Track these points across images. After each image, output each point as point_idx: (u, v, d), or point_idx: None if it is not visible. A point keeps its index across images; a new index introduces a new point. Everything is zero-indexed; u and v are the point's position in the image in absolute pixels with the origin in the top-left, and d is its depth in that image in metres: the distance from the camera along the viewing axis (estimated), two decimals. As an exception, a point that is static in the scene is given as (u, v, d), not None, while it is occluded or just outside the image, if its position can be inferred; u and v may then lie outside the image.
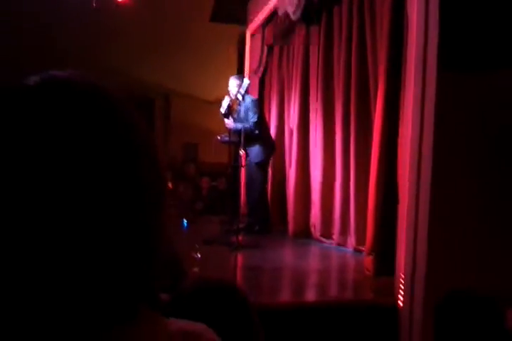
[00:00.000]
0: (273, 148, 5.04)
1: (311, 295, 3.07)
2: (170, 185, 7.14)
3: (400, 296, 2.65)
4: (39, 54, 6.79)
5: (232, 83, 4.87)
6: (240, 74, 6.09)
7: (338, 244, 4.30)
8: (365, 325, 2.63)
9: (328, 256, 4.08)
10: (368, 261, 3.31)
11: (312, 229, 4.74)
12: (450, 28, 2.42)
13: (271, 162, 5.15)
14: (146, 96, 9.22)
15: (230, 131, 4.88)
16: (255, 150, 4.83)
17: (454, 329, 1.59)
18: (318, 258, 4.13)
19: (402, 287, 2.64)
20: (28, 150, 0.43)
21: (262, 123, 4.87)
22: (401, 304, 2.64)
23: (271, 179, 5.47)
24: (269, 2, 5.44)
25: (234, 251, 3.95)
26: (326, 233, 4.52)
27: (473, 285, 1.85)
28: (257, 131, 4.71)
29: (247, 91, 4.75)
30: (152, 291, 0.50)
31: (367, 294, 3.03)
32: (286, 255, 4.33)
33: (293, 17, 4.75)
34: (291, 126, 5.29)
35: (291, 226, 4.95)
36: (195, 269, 3.06)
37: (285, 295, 3.06)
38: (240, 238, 4.10)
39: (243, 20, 6.52)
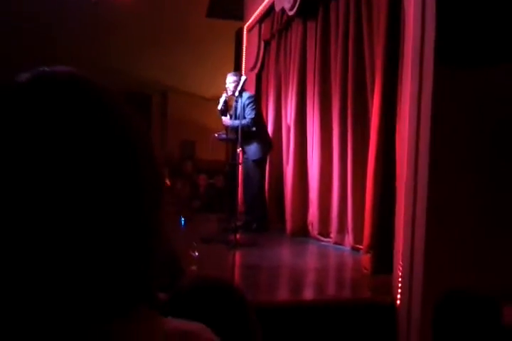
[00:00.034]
0: (270, 145, 5.02)
1: (308, 294, 3.06)
2: (168, 182, 7.15)
3: (397, 294, 2.64)
4: (36, 49, 6.77)
5: (230, 80, 4.85)
6: (237, 70, 6.07)
7: (336, 243, 4.28)
8: (363, 323, 2.62)
9: (325, 255, 4.06)
10: (366, 259, 3.29)
11: (310, 228, 4.73)
12: (447, 22, 2.40)
13: (268, 159, 5.12)
14: (144, 93, 9.20)
15: (227, 128, 4.86)
16: (253, 147, 4.80)
17: (452, 327, 1.58)
18: (315, 256, 4.11)
19: (400, 285, 2.62)
20: (19, 147, 0.43)
21: (259, 119, 4.85)
22: (399, 302, 2.62)
23: (268, 176, 5.44)
24: (266, -3, 5.41)
25: (232, 249, 3.94)
26: (324, 231, 4.50)
27: (471, 282, 1.84)
28: (254, 128, 4.69)
29: (243, 88, 4.72)
30: (150, 290, 0.49)
31: (365, 292, 3.02)
32: (284, 253, 4.31)
33: (289, 12, 4.72)
34: (288, 122, 5.26)
35: (288, 225, 4.93)
36: (193, 267, 3.06)
37: (283, 294, 3.05)
38: (238, 236, 4.10)
39: (240, 16, 6.50)
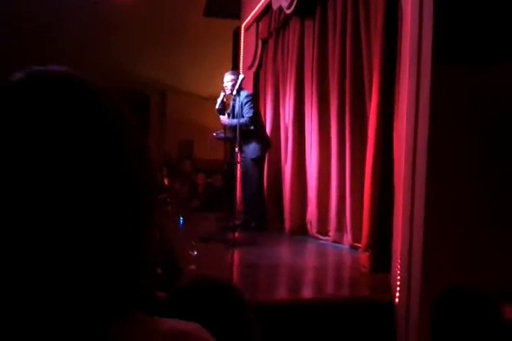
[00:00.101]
0: (269, 143, 5.01)
1: (307, 292, 3.06)
2: (166, 181, 7.14)
3: (396, 293, 2.64)
4: (36, 49, 6.76)
5: (227, 78, 4.84)
6: (235, 69, 6.06)
7: (335, 241, 4.28)
8: (361, 321, 2.62)
9: (324, 253, 4.06)
10: (364, 257, 3.29)
11: (308, 226, 4.72)
12: (444, 20, 2.40)
13: (266, 158, 5.12)
14: (142, 93, 9.19)
15: (225, 127, 4.85)
16: (251, 146, 4.80)
17: (451, 326, 1.58)
18: (314, 255, 4.11)
19: (399, 283, 2.62)
20: (11, 147, 0.43)
21: (257, 118, 4.84)
22: (397, 300, 2.62)
23: (266, 175, 5.44)
24: (263, -4, 5.40)
25: (230, 248, 3.94)
26: (323, 230, 4.50)
27: (469, 280, 1.84)
28: (252, 127, 4.68)
29: (241, 87, 4.71)
30: (143, 290, 0.49)
31: (363, 291, 3.02)
32: (283, 252, 4.31)
33: (287, 11, 4.71)
34: (286, 120, 5.26)
35: (287, 223, 4.93)
36: (192, 266, 3.06)
37: (281, 293, 3.06)
38: (237, 235, 4.10)
39: (237, 15, 6.49)
